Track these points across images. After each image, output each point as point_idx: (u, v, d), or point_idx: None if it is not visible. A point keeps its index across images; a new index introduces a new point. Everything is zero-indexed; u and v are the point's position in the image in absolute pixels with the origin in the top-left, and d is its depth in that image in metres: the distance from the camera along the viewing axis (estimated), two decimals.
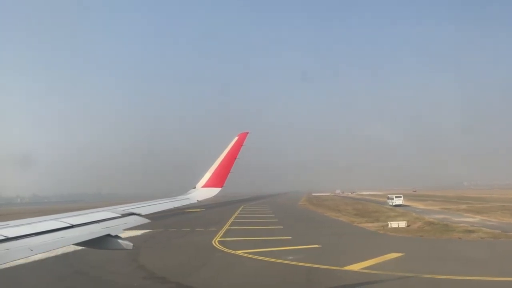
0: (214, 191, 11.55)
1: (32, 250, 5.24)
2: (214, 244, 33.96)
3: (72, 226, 6.50)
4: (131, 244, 7.04)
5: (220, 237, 38.41)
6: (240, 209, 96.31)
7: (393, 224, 43.89)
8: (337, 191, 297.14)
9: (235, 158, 11.79)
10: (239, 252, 28.91)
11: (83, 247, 6.89)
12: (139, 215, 8.24)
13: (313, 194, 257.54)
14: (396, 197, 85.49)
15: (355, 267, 22.26)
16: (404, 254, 26.02)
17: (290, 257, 25.83)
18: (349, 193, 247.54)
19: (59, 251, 27.74)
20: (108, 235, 6.76)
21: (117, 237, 6.89)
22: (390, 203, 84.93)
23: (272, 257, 26.34)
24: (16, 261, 5.30)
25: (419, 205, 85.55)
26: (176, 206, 10.02)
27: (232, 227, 48.55)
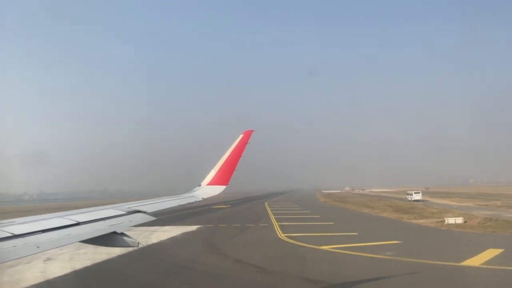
0: (219, 189, 11.47)
1: (38, 247, 5.25)
2: (288, 240, 33.60)
3: (78, 224, 6.52)
4: (137, 241, 7.01)
5: (284, 233, 37.99)
6: (267, 206, 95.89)
7: (450, 220, 43.56)
8: (346, 188, 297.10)
9: (240, 156, 11.67)
10: (325, 248, 28.53)
11: (91, 244, 6.87)
12: (144, 212, 8.18)
13: (323, 191, 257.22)
14: (415, 193, 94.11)
15: (472, 262, 21.86)
16: (504, 250, 25.60)
17: (389, 253, 25.43)
18: (360, 191, 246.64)
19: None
20: (114, 233, 6.76)
21: (122, 234, 6.88)
22: (410, 198, 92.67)
23: (367, 252, 25.94)
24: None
25: (447, 202, 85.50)
26: (181, 203, 9.96)
27: (282, 223, 48.12)
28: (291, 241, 32.90)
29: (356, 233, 37.38)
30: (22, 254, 5.07)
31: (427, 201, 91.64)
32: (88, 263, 25.45)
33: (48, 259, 27.36)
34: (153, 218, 8.13)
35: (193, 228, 45.93)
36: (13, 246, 5.08)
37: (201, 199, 10.70)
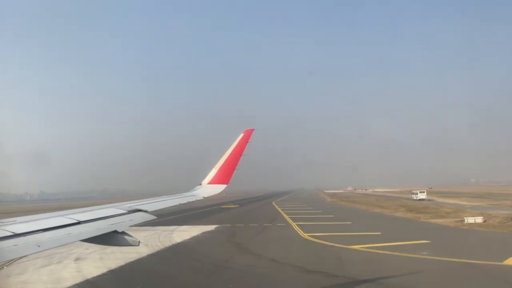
0: (220, 188, 11.44)
1: (39, 246, 5.27)
2: (313, 239, 33.41)
3: (79, 223, 6.55)
4: (138, 240, 7.00)
5: (306, 233, 37.76)
6: (276, 206, 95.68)
7: (470, 220, 43.45)
8: (349, 188, 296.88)
9: (241, 155, 11.61)
10: (356, 247, 28.33)
11: (93, 243, 6.86)
12: (145, 211, 8.19)
13: (326, 191, 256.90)
14: (420, 192, 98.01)
15: None
16: None
17: (424, 252, 25.25)
18: (362, 190, 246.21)
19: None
20: (115, 232, 6.78)
21: (123, 233, 6.89)
22: (415, 198, 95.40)
23: (401, 252, 25.75)
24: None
25: (457, 201, 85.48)
26: (182, 202, 9.95)
27: (299, 223, 47.86)
28: (317, 240, 32.71)
29: (379, 233, 37.22)
30: (23, 253, 5.10)
31: (433, 200, 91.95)
32: (121, 262, 25.24)
33: (78, 258, 27.20)
34: (154, 217, 8.09)
35: (211, 227, 45.73)
36: (14, 245, 5.08)
37: (202, 198, 10.67)
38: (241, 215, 66.88)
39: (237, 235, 38.56)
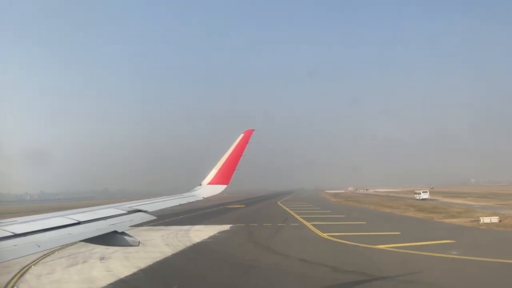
0: (220, 188, 11.44)
1: (39, 246, 5.30)
2: (334, 239, 33.25)
3: (79, 223, 6.57)
4: (138, 240, 6.98)
5: (324, 232, 37.58)
6: (282, 206, 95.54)
7: (486, 220, 43.37)
8: (349, 188, 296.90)
9: (241, 156, 11.60)
10: (381, 247, 28.20)
11: (92, 243, 6.89)
12: (145, 212, 8.21)
13: (327, 191, 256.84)
14: (423, 192, 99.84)
15: None
16: None
17: (454, 252, 25.12)
18: (364, 191, 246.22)
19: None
20: (115, 232, 6.79)
21: (123, 233, 6.89)
22: (418, 197, 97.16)
23: (429, 252, 25.59)
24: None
25: (463, 201, 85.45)
26: (181, 203, 9.95)
27: (313, 223, 47.67)
28: (339, 240, 32.55)
29: (398, 233, 37.10)
30: (23, 253, 5.09)
31: (437, 200, 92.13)
32: (149, 262, 25.05)
33: (103, 258, 27.02)
34: (154, 218, 8.08)
35: (225, 227, 45.54)
36: (14, 245, 5.10)
37: (202, 199, 10.64)
38: (250, 215, 66.65)
39: (254, 235, 38.39)
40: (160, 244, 33.13)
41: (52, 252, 29.14)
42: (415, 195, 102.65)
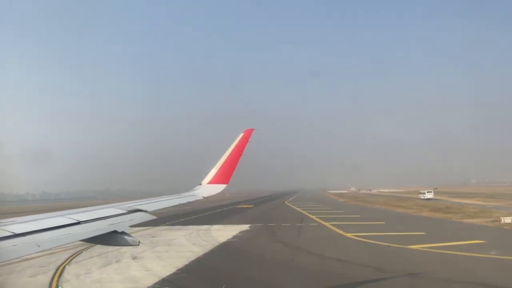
0: (219, 188, 11.46)
1: (39, 246, 5.30)
2: (362, 239, 32.96)
3: (79, 223, 6.57)
4: (138, 240, 7.00)
5: (348, 233, 37.31)
6: (292, 206, 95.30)
7: (507, 220, 43.15)
8: (352, 189, 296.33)
9: (241, 155, 11.63)
10: (415, 247, 27.93)
11: (92, 243, 6.92)
12: (145, 211, 8.20)
13: (330, 191, 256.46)
14: (427, 192, 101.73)
15: None
16: None
17: (493, 252, 24.87)
18: (366, 191, 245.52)
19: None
20: (115, 232, 6.80)
21: (123, 233, 6.90)
22: (422, 197, 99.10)
23: (466, 252, 25.33)
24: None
25: (473, 201, 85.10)
26: (181, 202, 9.94)
27: (332, 222, 47.41)
28: (367, 240, 32.28)
29: (423, 233, 36.82)
30: (22, 253, 5.07)
31: (443, 200, 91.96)
32: (184, 261, 24.77)
33: (135, 257, 26.75)
34: (154, 217, 8.06)
35: (244, 227, 45.25)
36: (14, 245, 5.09)
37: (201, 198, 10.64)
38: (264, 215, 66.26)
39: (278, 235, 38.04)
40: (186, 244, 32.86)
41: (81, 252, 28.91)
42: (420, 195, 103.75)
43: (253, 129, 12.16)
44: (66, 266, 24.12)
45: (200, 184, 11.62)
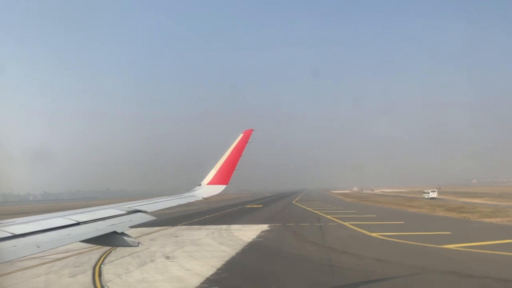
0: (219, 188, 11.52)
1: (39, 247, 5.29)
2: (390, 239, 32.70)
3: (78, 223, 6.58)
4: (137, 241, 7.02)
5: (373, 232, 37.02)
6: (302, 205, 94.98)
7: None
8: (354, 189, 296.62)
9: (240, 156, 11.69)
10: (449, 247, 27.64)
11: (92, 244, 6.91)
12: (145, 212, 8.23)
13: (333, 191, 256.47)
14: (431, 191, 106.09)
15: None
16: None
17: None
18: (369, 191, 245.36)
19: None
20: (114, 232, 6.81)
21: (123, 234, 6.92)
22: (426, 196, 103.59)
23: (507, 251, 25.12)
24: None
25: (483, 201, 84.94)
26: (181, 203, 9.97)
27: (351, 222, 47.14)
28: (396, 240, 31.98)
29: (449, 232, 36.53)
30: (22, 254, 5.06)
31: (450, 200, 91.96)
32: (220, 261, 24.45)
33: (168, 257, 26.47)
34: (154, 218, 8.04)
35: (263, 227, 44.92)
36: (13, 246, 5.08)
37: (201, 199, 10.64)
38: (277, 215, 65.86)
39: (301, 234, 37.67)
40: (213, 243, 32.54)
41: (110, 251, 28.60)
42: (424, 195, 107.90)
43: (252, 130, 12.18)
44: (102, 266, 23.81)
45: (200, 185, 11.66)
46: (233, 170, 11.60)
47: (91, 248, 28.43)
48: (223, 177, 11.58)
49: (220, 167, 11.70)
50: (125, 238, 6.88)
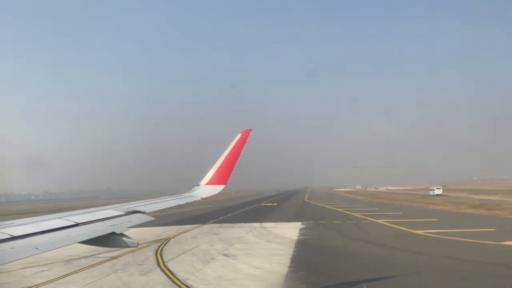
0: (218, 188, 11.58)
1: (37, 249, 5.31)
2: (436, 236, 32.24)
3: (77, 225, 6.58)
4: (136, 241, 7.00)
5: (413, 230, 36.54)
6: (316, 203, 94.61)
7: None
8: (358, 187, 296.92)
9: (239, 155, 11.71)
10: (510, 243, 27.29)
11: (91, 245, 6.84)
12: (143, 213, 8.26)
13: (338, 189, 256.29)
14: (436, 188, 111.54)
15: None
16: None
17: None
18: (373, 189, 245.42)
19: None
20: (113, 233, 6.82)
21: (121, 234, 6.93)
22: (432, 193, 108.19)
23: None
24: None
25: (498, 198, 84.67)
26: (180, 203, 10.02)
27: (384, 219, 46.69)
28: (443, 237, 31.45)
29: (493, 229, 36.08)
30: (21, 256, 5.06)
31: (462, 196, 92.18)
32: (285, 258, 23.94)
33: (226, 254, 26.07)
34: (152, 218, 8.04)
35: (298, 224, 44.39)
36: (12, 248, 5.09)
37: (200, 199, 10.67)
38: (301, 213, 65.05)
39: (342, 232, 37.07)
40: (259, 241, 32.03)
41: (160, 249, 28.10)
42: (429, 192, 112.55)
43: (250, 130, 12.13)
44: (165, 263, 23.31)
45: (199, 185, 11.64)
46: (232, 170, 11.60)
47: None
48: (221, 177, 11.57)
49: (219, 167, 11.67)
50: (124, 238, 6.87)
